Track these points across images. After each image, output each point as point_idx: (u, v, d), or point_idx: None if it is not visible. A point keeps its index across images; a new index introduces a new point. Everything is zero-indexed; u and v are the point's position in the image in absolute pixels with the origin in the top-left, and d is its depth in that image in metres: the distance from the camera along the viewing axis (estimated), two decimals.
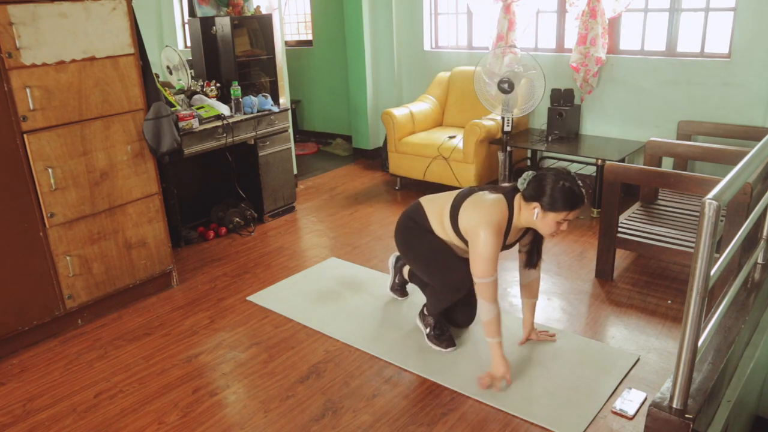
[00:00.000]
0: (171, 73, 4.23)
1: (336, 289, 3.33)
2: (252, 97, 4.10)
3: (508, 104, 4.14)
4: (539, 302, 3.13)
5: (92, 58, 2.86)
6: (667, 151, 3.68)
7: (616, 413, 2.30)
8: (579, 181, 2.35)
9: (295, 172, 5.11)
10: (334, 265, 3.64)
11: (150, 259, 3.29)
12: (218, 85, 4.15)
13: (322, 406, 2.41)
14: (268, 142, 4.22)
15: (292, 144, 4.63)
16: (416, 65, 5.60)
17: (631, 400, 2.34)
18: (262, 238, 4.12)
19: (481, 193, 2.57)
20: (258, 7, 4.37)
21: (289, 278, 3.48)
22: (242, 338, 2.92)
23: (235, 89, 4.02)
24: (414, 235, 2.72)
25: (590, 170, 4.54)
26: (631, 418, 2.27)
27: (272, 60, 4.41)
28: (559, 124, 4.46)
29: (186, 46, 5.24)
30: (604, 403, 2.35)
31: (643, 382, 2.47)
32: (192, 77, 4.21)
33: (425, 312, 2.85)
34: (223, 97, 4.14)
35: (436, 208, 2.67)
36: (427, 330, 2.81)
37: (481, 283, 2.40)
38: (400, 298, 3.21)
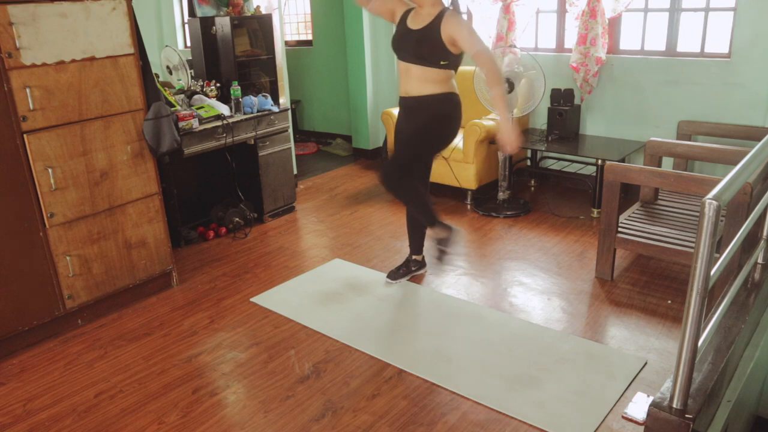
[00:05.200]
0: (171, 73, 4.23)
1: (337, 290, 3.33)
2: (252, 97, 4.10)
3: (508, 104, 4.13)
4: (539, 302, 3.13)
5: (92, 58, 2.86)
6: (667, 151, 3.68)
7: (627, 418, 2.27)
8: None
9: (295, 172, 5.11)
10: (337, 266, 3.64)
11: (150, 259, 3.29)
12: (218, 85, 4.15)
13: (322, 406, 2.41)
14: (268, 142, 4.22)
15: (292, 144, 4.63)
16: None
17: (642, 405, 2.30)
18: (262, 238, 4.12)
19: None
20: (258, 7, 4.37)
21: (292, 279, 3.48)
22: (242, 338, 2.92)
23: (235, 89, 4.02)
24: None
25: (590, 170, 4.54)
26: (643, 424, 2.25)
27: (272, 60, 4.41)
28: (559, 124, 4.46)
29: (186, 46, 5.24)
30: (611, 408, 2.33)
31: (643, 383, 2.47)
32: (192, 77, 4.21)
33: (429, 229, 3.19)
34: (223, 97, 4.14)
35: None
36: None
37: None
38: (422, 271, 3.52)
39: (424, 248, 3.45)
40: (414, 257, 3.45)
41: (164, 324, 3.08)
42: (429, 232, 3.19)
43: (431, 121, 2.98)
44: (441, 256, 3.19)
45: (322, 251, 3.87)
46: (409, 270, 3.43)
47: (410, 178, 3.02)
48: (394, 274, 3.40)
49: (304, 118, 6.93)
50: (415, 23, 2.91)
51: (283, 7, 5.41)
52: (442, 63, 2.87)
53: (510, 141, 2.81)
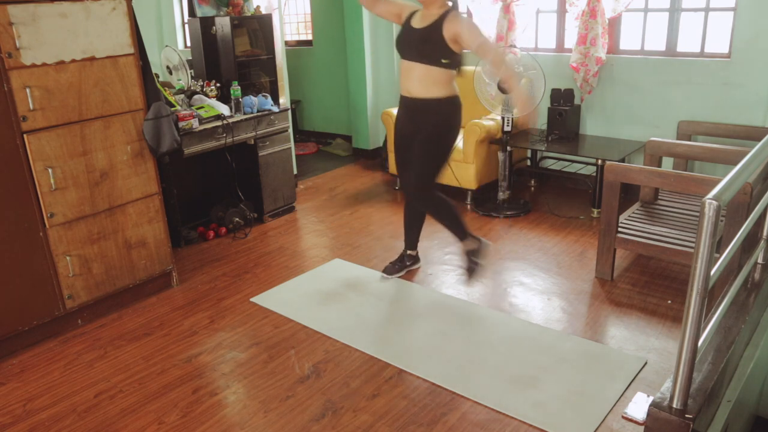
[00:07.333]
0: (171, 73, 4.22)
1: (337, 290, 3.33)
2: (252, 97, 4.10)
3: (508, 104, 4.14)
4: (539, 302, 3.13)
5: (92, 58, 2.86)
6: (667, 151, 3.68)
7: (627, 418, 2.27)
8: None
9: (295, 172, 5.11)
10: (337, 266, 3.64)
11: (150, 259, 3.29)
12: (218, 85, 4.15)
13: (322, 406, 2.41)
14: (268, 142, 4.22)
15: (292, 144, 4.63)
16: None
17: (642, 405, 2.30)
18: (262, 238, 4.12)
19: None
20: (258, 7, 4.37)
21: (292, 279, 3.48)
22: (242, 338, 2.92)
23: (235, 89, 4.02)
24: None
25: (590, 170, 4.54)
26: (643, 424, 2.25)
27: (272, 60, 4.40)
28: (559, 124, 4.46)
29: (186, 46, 5.24)
30: (611, 408, 2.32)
31: (643, 383, 2.47)
32: (192, 77, 4.21)
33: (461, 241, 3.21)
34: (223, 97, 4.14)
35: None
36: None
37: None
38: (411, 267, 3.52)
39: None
40: (408, 252, 3.49)
41: (164, 324, 3.08)
42: (460, 245, 3.22)
43: (439, 129, 3.03)
44: (472, 268, 3.20)
45: (322, 251, 3.87)
46: (404, 265, 3.46)
47: (438, 191, 3.09)
48: (390, 269, 3.44)
49: (304, 118, 6.93)
50: (419, 23, 2.96)
51: (283, 7, 5.41)
52: (443, 61, 2.92)
53: (527, 106, 3.06)
